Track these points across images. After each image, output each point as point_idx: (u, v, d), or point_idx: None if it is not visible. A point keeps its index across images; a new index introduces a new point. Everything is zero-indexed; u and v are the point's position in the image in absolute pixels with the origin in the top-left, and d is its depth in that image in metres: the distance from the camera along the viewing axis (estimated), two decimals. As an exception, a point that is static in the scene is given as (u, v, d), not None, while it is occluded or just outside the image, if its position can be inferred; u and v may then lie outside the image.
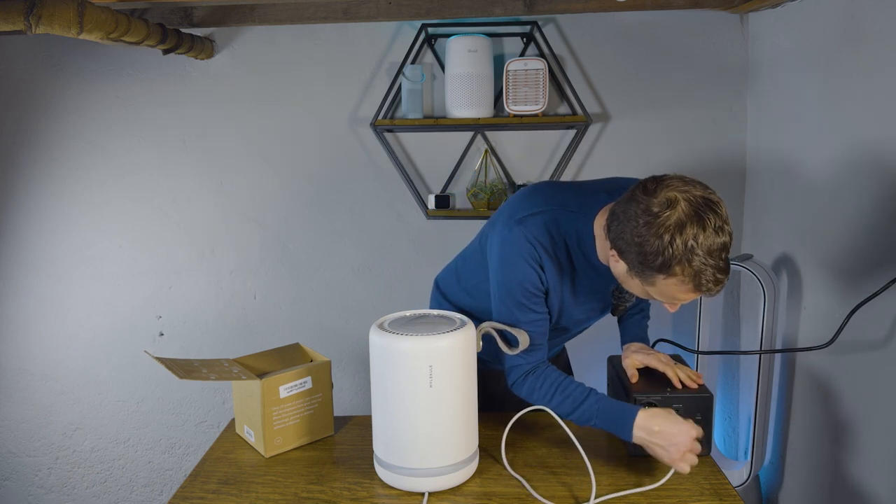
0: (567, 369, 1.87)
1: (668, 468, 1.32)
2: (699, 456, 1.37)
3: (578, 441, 1.45)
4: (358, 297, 2.56)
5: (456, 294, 1.63)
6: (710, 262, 1.14)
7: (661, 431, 1.28)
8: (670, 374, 1.44)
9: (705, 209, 1.14)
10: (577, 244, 1.36)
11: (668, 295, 1.22)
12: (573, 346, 2.18)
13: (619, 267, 1.25)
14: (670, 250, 1.13)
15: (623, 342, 1.63)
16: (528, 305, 1.37)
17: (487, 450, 1.44)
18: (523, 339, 1.35)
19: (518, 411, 1.66)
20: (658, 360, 1.48)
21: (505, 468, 1.37)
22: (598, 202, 1.35)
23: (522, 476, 1.34)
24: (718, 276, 1.15)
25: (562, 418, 1.38)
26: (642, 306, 1.68)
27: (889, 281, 1.52)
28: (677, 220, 1.13)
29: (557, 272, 1.37)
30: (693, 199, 1.15)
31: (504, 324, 1.39)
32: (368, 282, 2.55)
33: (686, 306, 2.47)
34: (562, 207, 1.36)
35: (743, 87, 2.36)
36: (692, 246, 1.12)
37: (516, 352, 1.36)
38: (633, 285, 1.26)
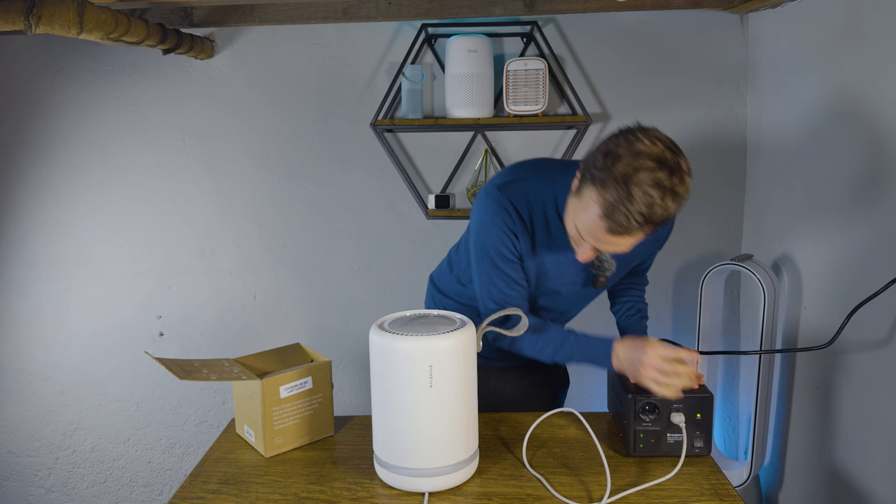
0: (565, 372, 1.86)
1: (669, 469, 1.32)
2: (700, 456, 1.38)
3: (578, 443, 1.45)
4: (358, 297, 2.56)
5: (448, 284, 1.64)
6: (638, 200, 1.12)
7: (627, 357, 1.34)
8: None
9: (671, 171, 1.13)
10: (556, 210, 1.36)
11: (584, 220, 1.20)
12: (573, 346, 2.18)
13: (573, 185, 1.25)
14: (616, 164, 1.14)
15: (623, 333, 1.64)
16: (505, 271, 1.39)
17: (486, 450, 1.44)
18: (523, 323, 1.35)
19: (514, 409, 1.66)
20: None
21: (508, 468, 1.37)
22: None
23: (522, 476, 1.34)
24: (636, 220, 1.14)
25: (546, 362, 1.43)
26: (640, 307, 1.69)
27: (889, 281, 1.52)
28: (644, 152, 1.14)
29: (531, 239, 1.38)
30: (669, 160, 1.14)
31: (485, 292, 1.43)
32: (368, 282, 2.55)
33: (685, 306, 2.47)
34: (544, 175, 1.38)
35: (743, 87, 2.36)
36: (635, 175, 1.12)
37: (516, 334, 1.37)
38: (570, 209, 1.25)
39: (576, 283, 1.48)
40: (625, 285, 1.71)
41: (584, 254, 1.29)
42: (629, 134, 1.18)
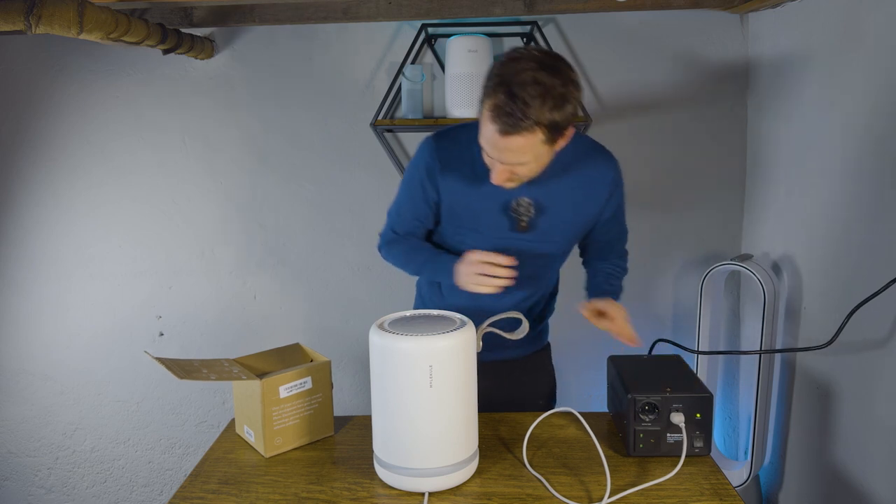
0: (550, 373, 1.82)
1: (669, 469, 1.32)
2: (700, 456, 1.38)
3: (578, 443, 1.45)
4: (358, 297, 2.56)
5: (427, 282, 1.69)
6: (518, 97, 1.19)
7: (455, 269, 1.44)
8: (618, 322, 1.45)
9: (552, 71, 1.21)
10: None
11: (484, 133, 1.28)
12: (572, 346, 2.18)
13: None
14: (502, 71, 1.22)
15: (589, 295, 1.62)
16: (405, 207, 1.54)
17: (486, 450, 1.44)
18: (523, 327, 1.38)
19: (508, 408, 1.67)
20: (612, 305, 1.47)
21: (508, 468, 1.37)
22: None
23: (522, 476, 1.34)
24: (519, 116, 1.20)
25: (410, 273, 1.60)
26: (608, 270, 1.65)
27: (889, 281, 1.52)
28: (526, 57, 1.22)
29: (454, 180, 1.46)
30: (549, 63, 1.22)
31: (387, 216, 1.61)
32: (368, 282, 2.55)
33: (685, 306, 2.47)
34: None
35: (743, 87, 2.36)
36: (516, 76, 1.20)
37: (517, 337, 1.39)
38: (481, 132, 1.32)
39: (501, 227, 1.50)
40: (599, 261, 1.69)
41: (496, 175, 1.34)
42: (520, 48, 1.28)
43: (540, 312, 1.70)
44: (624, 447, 1.42)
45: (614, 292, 1.62)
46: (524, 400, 1.74)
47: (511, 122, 1.21)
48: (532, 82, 1.19)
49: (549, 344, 1.83)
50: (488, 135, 1.27)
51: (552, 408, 1.82)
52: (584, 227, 1.57)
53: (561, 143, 1.31)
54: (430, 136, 1.50)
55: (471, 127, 1.44)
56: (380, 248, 1.65)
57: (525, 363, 1.74)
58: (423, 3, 2.26)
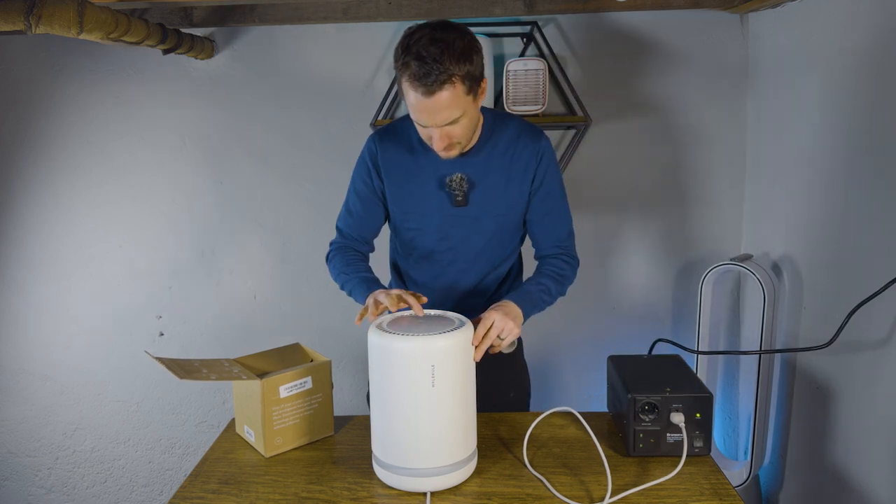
0: (519, 370, 1.79)
1: (669, 469, 1.32)
2: (700, 456, 1.38)
3: (578, 443, 1.46)
4: (358, 297, 2.56)
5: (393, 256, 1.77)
6: (413, 52, 1.30)
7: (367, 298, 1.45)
8: (477, 332, 1.35)
9: (436, 27, 1.33)
10: (422, 141, 1.50)
11: (411, 105, 1.36)
12: (572, 347, 2.18)
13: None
14: (402, 50, 1.33)
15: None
16: (350, 201, 1.65)
17: (486, 450, 1.44)
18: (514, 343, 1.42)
19: (503, 407, 1.67)
20: (486, 315, 1.38)
21: (508, 468, 1.37)
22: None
23: (522, 476, 1.34)
24: (424, 70, 1.29)
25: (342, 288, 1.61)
26: (542, 269, 1.61)
27: (889, 281, 1.52)
28: (416, 28, 1.34)
29: (395, 164, 1.56)
30: (435, 23, 1.34)
31: (338, 226, 1.71)
32: (368, 282, 2.54)
33: (685, 306, 2.47)
34: None
35: (743, 87, 2.36)
36: (410, 39, 1.32)
37: (508, 351, 1.42)
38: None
39: (441, 203, 1.57)
40: (541, 261, 1.65)
41: (437, 143, 1.41)
42: (410, 27, 1.38)
43: (500, 295, 1.66)
44: (624, 447, 1.42)
45: (527, 295, 1.51)
46: (491, 392, 1.65)
47: (430, 80, 1.30)
48: (432, 42, 1.30)
49: (519, 338, 1.76)
50: (415, 103, 1.35)
51: (526, 401, 1.80)
52: (519, 199, 1.58)
53: (482, 97, 1.42)
54: (372, 134, 1.61)
55: (409, 116, 1.51)
56: (327, 258, 1.68)
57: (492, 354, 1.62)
58: (423, 3, 2.26)
